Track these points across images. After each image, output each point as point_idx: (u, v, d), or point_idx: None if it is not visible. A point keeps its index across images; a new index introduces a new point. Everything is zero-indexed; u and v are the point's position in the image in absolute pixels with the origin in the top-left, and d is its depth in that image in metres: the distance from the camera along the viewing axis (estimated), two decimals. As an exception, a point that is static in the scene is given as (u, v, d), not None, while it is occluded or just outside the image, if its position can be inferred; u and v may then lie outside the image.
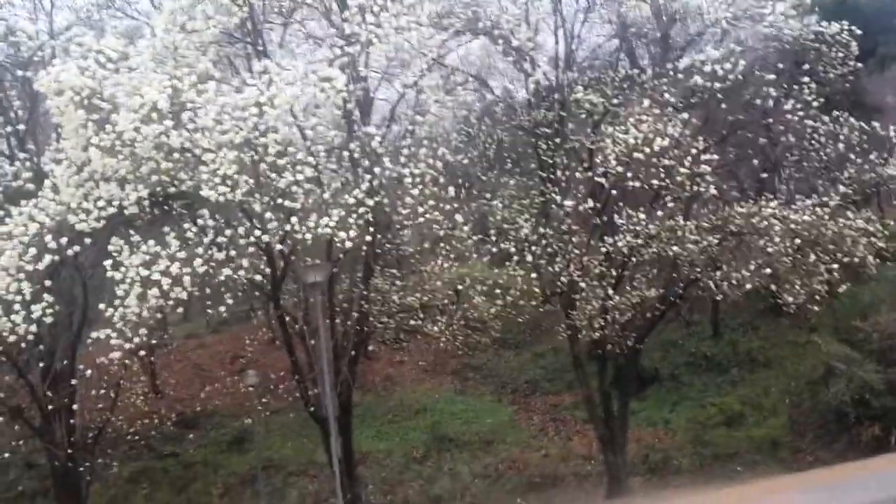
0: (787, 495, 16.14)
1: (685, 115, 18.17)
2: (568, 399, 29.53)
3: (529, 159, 20.24)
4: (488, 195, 19.13)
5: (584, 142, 19.12)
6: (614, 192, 18.34)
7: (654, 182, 17.62)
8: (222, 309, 16.91)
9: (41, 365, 19.35)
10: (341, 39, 16.41)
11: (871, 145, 20.82)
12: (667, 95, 18.47)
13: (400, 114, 19.48)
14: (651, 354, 27.91)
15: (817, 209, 18.87)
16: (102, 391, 20.51)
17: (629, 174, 17.56)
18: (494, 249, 18.50)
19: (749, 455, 24.71)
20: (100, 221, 15.75)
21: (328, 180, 16.73)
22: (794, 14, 19.45)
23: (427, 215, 17.16)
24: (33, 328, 15.94)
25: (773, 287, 18.41)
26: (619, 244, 18.42)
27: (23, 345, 16.84)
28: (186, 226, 16.05)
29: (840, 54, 20.76)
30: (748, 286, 17.84)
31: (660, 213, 18.05)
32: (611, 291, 19.24)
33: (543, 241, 18.91)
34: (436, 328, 19.93)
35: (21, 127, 19.95)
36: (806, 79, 20.05)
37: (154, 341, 17.50)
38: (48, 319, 16.02)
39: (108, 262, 15.63)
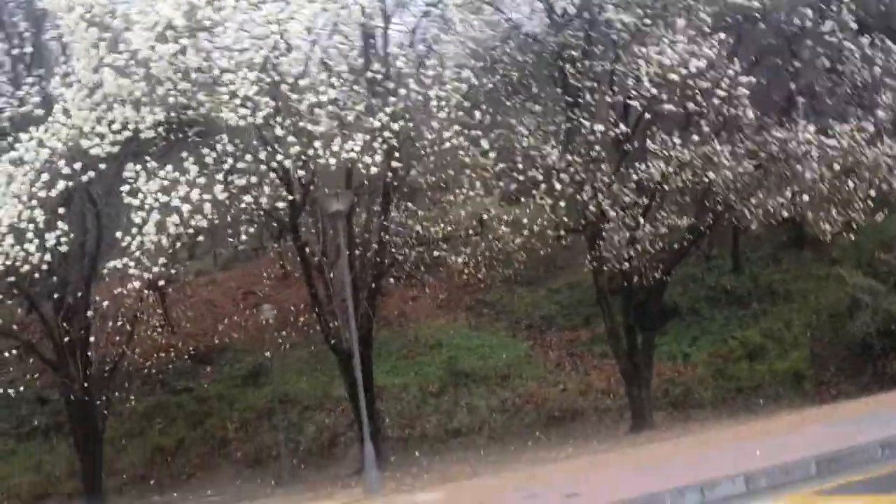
0: (812, 428, 15.87)
1: (721, 35, 17.32)
2: (584, 335, 29.18)
3: (555, 84, 19.44)
4: (513, 121, 18.40)
5: (615, 64, 18.30)
6: (647, 115, 17.63)
7: (690, 105, 16.89)
8: (242, 238, 16.40)
9: (55, 297, 18.87)
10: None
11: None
12: (702, 15, 17.62)
13: (422, 36, 18.67)
14: (670, 289, 27.47)
15: (855, 134, 18.18)
16: (119, 323, 20.05)
17: (664, 96, 16.82)
18: (521, 178, 17.83)
19: (771, 388, 24.40)
20: (114, 146, 15.19)
21: (351, 103, 16.03)
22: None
23: (453, 140, 16.56)
24: (47, 257, 15.50)
25: (809, 215, 17.81)
26: (652, 171, 17.77)
27: (36, 275, 16.39)
28: (205, 151, 15.42)
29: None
30: (785, 214, 17.25)
31: (695, 137, 17.34)
32: (642, 220, 18.64)
33: (571, 169, 18.25)
34: (460, 259, 19.37)
35: (28, 50, 19.15)
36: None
37: (173, 270, 17.01)
38: (63, 248, 15.56)
39: (124, 189, 15.12)
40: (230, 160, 15.40)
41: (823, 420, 17.22)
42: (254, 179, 15.46)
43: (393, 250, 19.81)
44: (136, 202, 14.88)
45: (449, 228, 19.02)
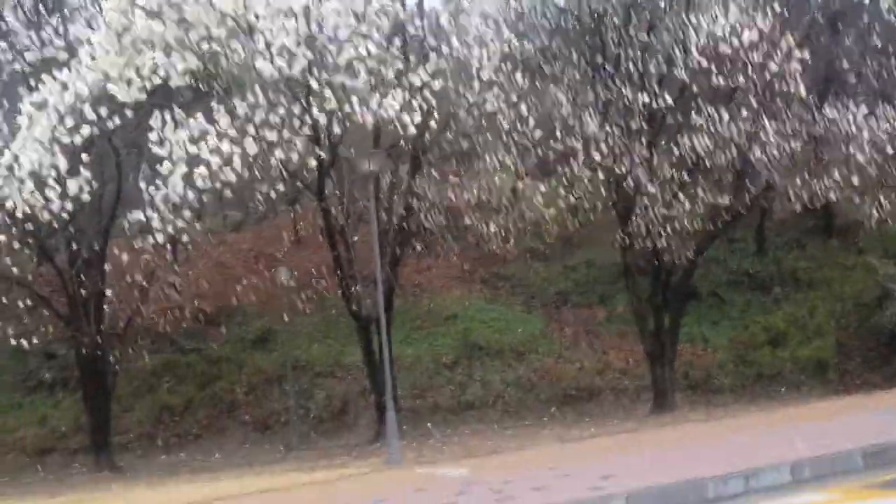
0: (848, 418, 15.38)
1: (775, 6, 16.60)
2: (600, 313, 28.68)
3: (595, 52, 18.73)
4: (552, 86, 17.71)
5: (658, 33, 17.60)
6: (695, 87, 16.94)
7: (741, 78, 16.20)
8: (272, 196, 15.75)
9: (72, 248, 18.23)
10: None
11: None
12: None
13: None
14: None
15: (904, 117, 17.53)
16: (136, 279, 19.42)
17: (713, 68, 16.13)
18: (560, 147, 17.18)
19: (793, 376, 24.01)
20: (143, 93, 14.53)
21: (390, 58, 15.32)
22: None
23: (492, 103, 15.90)
24: (68, 206, 14.89)
25: (856, 199, 17.19)
26: (696, 145, 17.09)
27: (55, 224, 15.79)
28: (237, 101, 14.74)
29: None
30: (832, 196, 16.63)
31: (745, 112, 16.67)
32: (682, 196, 18.00)
33: (609, 141, 17.60)
34: (492, 228, 18.76)
35: (50, -10, 18.43)
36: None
37: (198, 226, 16.40)
38: (85, 197, 14.92)
39: (151, 138, 14.47)
40: (262, 113, 14.70)
41: (858, 410, 16.75)
42: (286, 135, 14.78)
43: (421, 214, 19.16)
44: (163, 152, 14.25)
45: (483, 196, 18.39)
